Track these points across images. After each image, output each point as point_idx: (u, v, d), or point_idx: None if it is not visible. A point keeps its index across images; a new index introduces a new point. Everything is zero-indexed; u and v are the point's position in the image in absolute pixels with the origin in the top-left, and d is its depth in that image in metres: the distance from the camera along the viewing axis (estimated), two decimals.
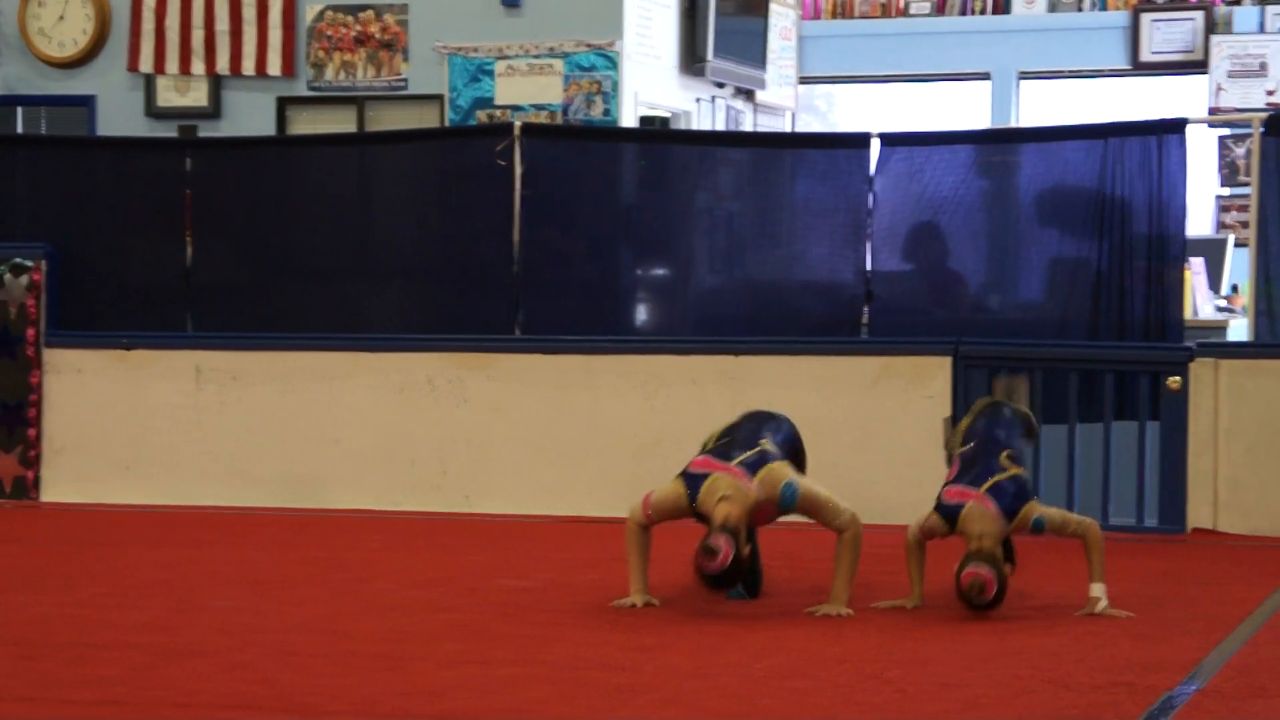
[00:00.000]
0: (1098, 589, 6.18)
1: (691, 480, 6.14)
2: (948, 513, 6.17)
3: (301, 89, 12.10)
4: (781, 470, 6.14)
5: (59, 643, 5.71)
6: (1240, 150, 13.36)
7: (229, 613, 6.24)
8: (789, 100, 14.17)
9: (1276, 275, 8.55)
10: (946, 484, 6.28)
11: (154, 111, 12.26)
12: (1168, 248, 8.65)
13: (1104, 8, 14.06)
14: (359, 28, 11.95)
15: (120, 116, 12.19)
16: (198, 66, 12.08)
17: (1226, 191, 13.49)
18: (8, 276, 9.34)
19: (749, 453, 6.17)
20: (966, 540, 6.12)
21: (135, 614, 6.21)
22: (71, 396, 9.34)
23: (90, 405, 9.32)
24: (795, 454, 6.39)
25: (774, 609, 6.31)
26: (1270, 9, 13.52)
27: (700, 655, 5.54)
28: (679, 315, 9.23)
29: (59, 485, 9.35)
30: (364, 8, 11.97)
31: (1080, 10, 14.08)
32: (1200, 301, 9.99)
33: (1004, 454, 6.24)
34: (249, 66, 12.01)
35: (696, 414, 8.21)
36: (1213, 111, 13.28)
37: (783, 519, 6.33)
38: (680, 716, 4.82)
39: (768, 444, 6.24)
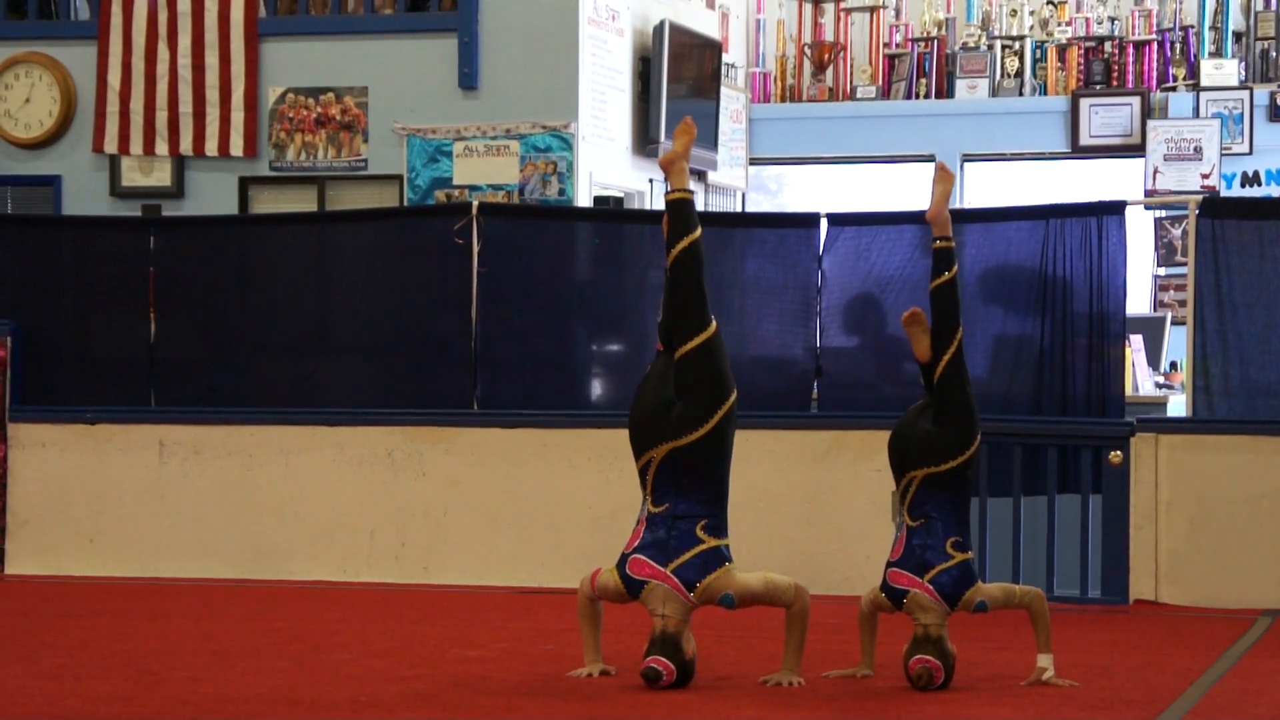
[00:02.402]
0: (1044, 659, 6.27)
1: (630, 583, 6.13)
2: (892, 595, 6.26)
3: (263, 169, 12.18)
4: (719, 583, 6.10)
5: (23, 714, 5.73)
6: (1176, 231, 13.55)
7: (191, 683, 6.27)
8: (740, 181, 14.34)
9: (1213, 353, 8.67)
10: (891, 563, 6.29)
11: (118, 191, 12.33)
12: (1108, 325, 8.78)
13: (1044, 93, 14.29)
14: (320, 109, 12.08)
15: (85, 196, 12.25)
16: (161, 147, 12.18)
17: (1163, 271, 13.65)
18: None
19: (688, 554, 6.11)
20: (913, 622, 6.23)
21: (99, 685, 6.24)
22: (36, 470, 9.41)
23: (55, 479, 9.38)
24: (721, 456, 6.24)
25: (728, 678, 6.38)
26: (1204, 95, 13.79)
27: None
28: (633, 390, 9.28)
29: (23, 558, 9.40)
30: (324, 90, 12.10)
31: (1021, 95, 14.29)
32: (1140, 378, 10.12)
33: (949, 542, 6.25)
34: (212, 147, 12.11)
35: None
36: (1149, 194, 13.43)
37: None
38: None
39: (701, 529, 6.14)
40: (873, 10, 14.74)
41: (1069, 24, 14.38)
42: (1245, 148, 13.70)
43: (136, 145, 12.20)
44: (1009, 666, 6.54)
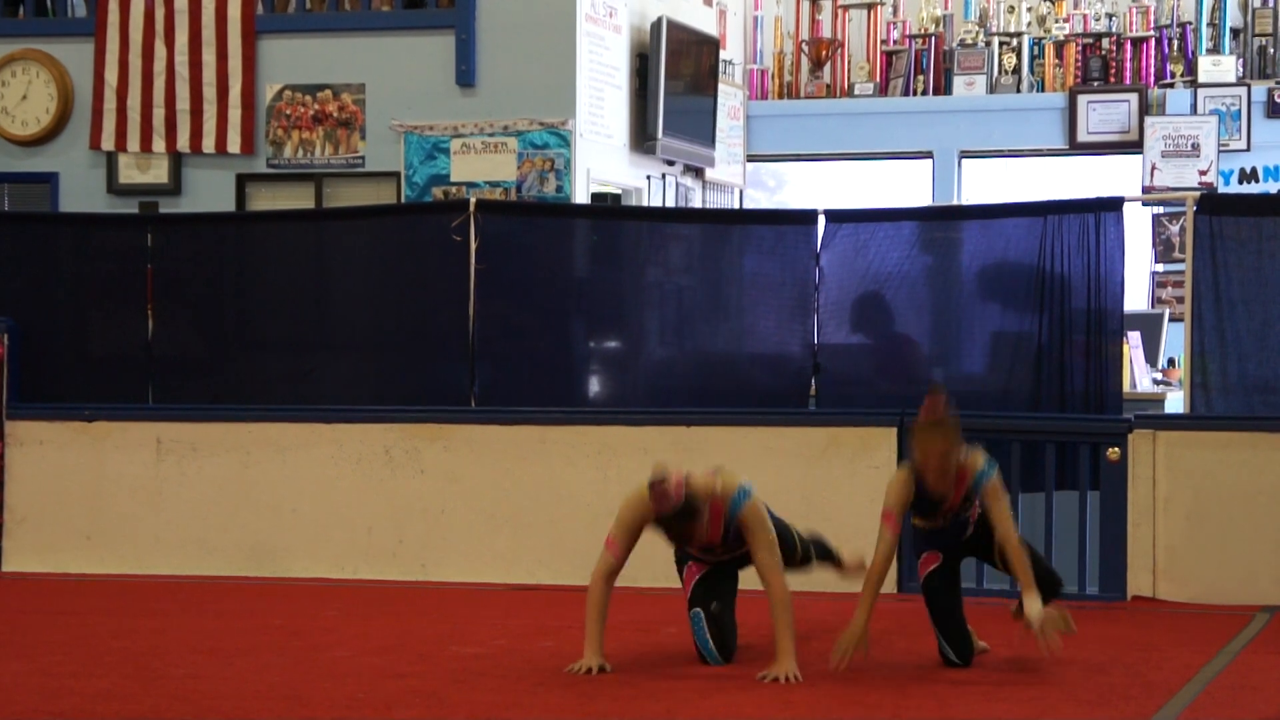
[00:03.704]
0: (1030, 601, 6.33)
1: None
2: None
3: (260, 166, 12.19)
4: (738, 477, 6.43)
5: (20, 711, 5.74)
6: (1174, 228, 13.57)
7: (189, 680, 6.29)
8: (737, 177, 14.35)
9: (1211, 349, 8.65)
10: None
11: (115, 188, 12.33)
12: (1106, 322, 8.77)
13: (1042, 89, 14.31)
14: (317, 106, 12.09)
15: (82, 193, 12.26)
16: (159, 144, 12.19)
17: (1161, 268, 13.67)
18: None
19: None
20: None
21: (96, 682, 6.25)
22: (33, 467, 9.40)
23: (52, 476, 9.37)
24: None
25: (727, 674, 6.40)
26: (1202, 92, 13.80)
27: None
28: (631, 387, 9.33)
29: (20, 555, 9.39)
30: (322, 87, 12.11)
31: (1019, 92, 14.31)
32: (1138, 374, 10.11)
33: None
34: (209, 144, 12.12)
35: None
36: (1147, 190, 13.45)
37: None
38: None
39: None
40: (870, 7, 14.75)
41: (1066, 20, 14.39)
42: (1243, 144, 13.72)
43: (134, 142, 12.20)
44: (1007, 663, 6.55)
